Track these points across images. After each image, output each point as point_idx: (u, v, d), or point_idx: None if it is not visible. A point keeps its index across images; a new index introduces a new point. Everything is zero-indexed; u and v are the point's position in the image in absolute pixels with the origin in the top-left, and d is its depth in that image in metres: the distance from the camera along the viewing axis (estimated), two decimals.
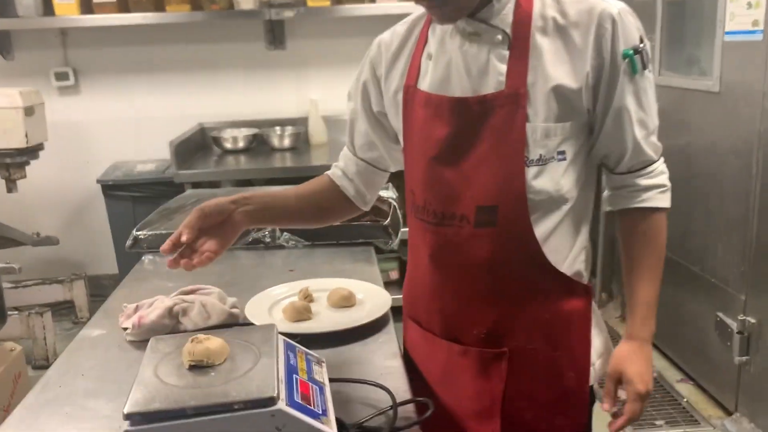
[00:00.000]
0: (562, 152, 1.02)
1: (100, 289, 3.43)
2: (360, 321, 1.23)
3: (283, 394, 0.85)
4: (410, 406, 0.99)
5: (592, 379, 1.10)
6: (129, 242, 1.79)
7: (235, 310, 1.30)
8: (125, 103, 3.59)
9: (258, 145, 3.55)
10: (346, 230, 1.76)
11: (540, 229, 1.03)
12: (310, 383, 0.93)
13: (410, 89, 1.10)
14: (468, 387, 1.11)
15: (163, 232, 1.78)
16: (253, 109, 3.65)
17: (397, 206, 1.91)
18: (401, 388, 1.04)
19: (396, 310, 1.29)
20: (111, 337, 1.25)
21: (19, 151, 2.92)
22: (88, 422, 0.98)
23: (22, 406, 1.03)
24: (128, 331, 1.23)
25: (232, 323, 1.28)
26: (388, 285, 3.12)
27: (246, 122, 3.63)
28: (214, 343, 0.91)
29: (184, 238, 1.05)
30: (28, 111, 2.90)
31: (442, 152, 1.05)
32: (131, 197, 3.33)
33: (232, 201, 1.13)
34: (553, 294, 1.06)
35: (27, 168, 3.07)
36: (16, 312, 3.00)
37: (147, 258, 1.75)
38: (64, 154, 3.50)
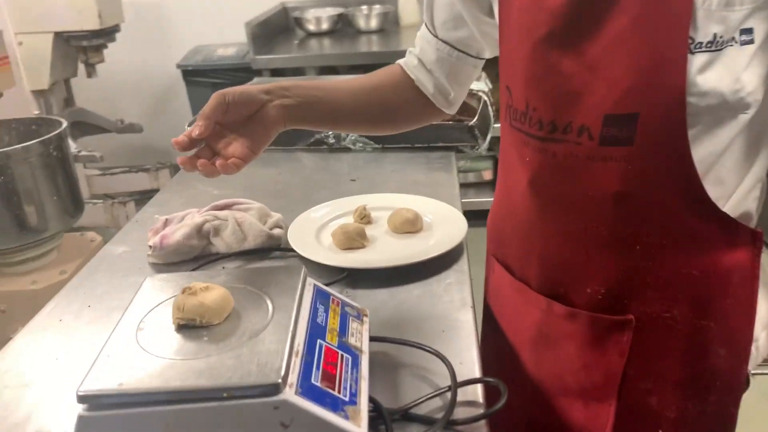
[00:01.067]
0: (749, 30, 0.65)
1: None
2: (423, 255, 0.97)
3: (294, 377, 0.61)
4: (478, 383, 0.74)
5: (752, 362, 0.80)
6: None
7: (276, 231, 1.07)
8: None
9: (343, 26, 3.22)
10: (423, 132, 1.46)
11: (701, 151, 0.70)
12: (340, 352, 0.70)
13: None
14: (573, 359, 0.83)
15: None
16: None
17: (488, 102, 1.58)
18: (468, 357, 0.78)
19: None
20: (134, 257, 1.07)
21: (94, 33, 2.78)
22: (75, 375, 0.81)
23: (17, 341, 0.87)
24: (150, 251, 1.04)
25: (272, 247, 1.06)
26: (480, 187, 2.80)
27: (331, 1, 3.29)
28: (212, 295, 0.68)
29: (196, 132, 0.81)
30: None
31: (556, 29, 0.72)
32: (211, 83, 3.15)
33: (265, 90, 0.85)
34: (708, 242, 0.74)
35: (106, 52, 2.94)
36: (101, 200, 2.99)
37: None
38: (143, 37, 3.34)
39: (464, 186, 2.97)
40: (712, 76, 0.66)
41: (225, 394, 0.59)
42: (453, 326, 0.84)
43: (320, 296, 0.76)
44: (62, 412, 0.73)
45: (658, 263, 0.75)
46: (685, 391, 0.80)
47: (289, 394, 0.59)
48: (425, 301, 0.90)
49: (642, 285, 0.77)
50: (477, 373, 0.75)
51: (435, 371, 0.75)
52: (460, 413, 0.68)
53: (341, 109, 0.94)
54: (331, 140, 1.50)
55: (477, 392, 0.72)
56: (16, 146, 2.05)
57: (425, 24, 0.97)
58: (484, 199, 2.93)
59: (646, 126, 0.69)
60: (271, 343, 0.64)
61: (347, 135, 1.49)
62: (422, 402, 0.70)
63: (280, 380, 0.59)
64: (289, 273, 0.77)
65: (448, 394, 0.70)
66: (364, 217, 1.11)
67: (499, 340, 0.93)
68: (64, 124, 2.23)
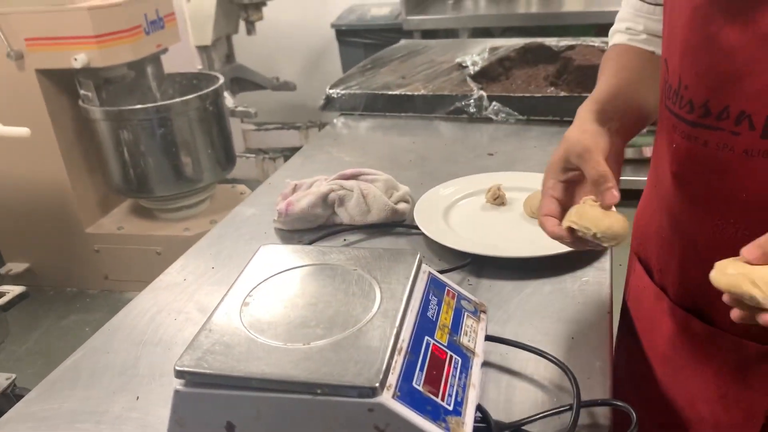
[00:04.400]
0: None
1: None
2: (560, 247, 0.87)
3: (394, 378, 0.56)
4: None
5: None
6: (322, 101, 1.58)
7: (402, 206, 1.02)
8: None
9: None
10: (573, 102, 1.32)
11: None
12: (449, 352, 0.63)
13: None
14: (710, 388, 0.71)
15: (357, 91, 1.53)
16: None
17: None
18: (598, 372, 0.69)
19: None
20: (262, 221, 1.07)
21: None
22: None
23: (146, 291, 0.90)
24: (276, 217, 1.03)
25: (396, 222, 1.01)
26: (639, 165, 2.54)
27: None
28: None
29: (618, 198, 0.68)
30: None
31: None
32: (363, 44, 3.14)
33: (600, 123, 0.72)
34: None
35: (264, 10, 3.02)
36: (254, 155, 3.11)
37: (339, 121, 1.53)
38: None
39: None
40: None
41: (319, 390, 0.55)
42: (585, 333, 0.75)
43: (434, 286, 0.70)
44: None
45: None
46: None
47: (386, 398, 0.54)
48: (556, 301, 0.80)
49: None
50: (606, 392, 0.65)
51: (557, 384, 0.67)
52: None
53: (649, 105, 0.79)
54: (472, 109, 1.41)
55: (603, 414, 0.63)
56: (177, 99, 2.16)
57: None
58: (641, 178, 2.69)
59: None
60: (374, 339, 0.59)
61: (490, 104, 1.39)
62: (538, 419, 0.62)
63: (378, 384, 0.54)
64: (403, 257, 0.71)
65: (569, 414, 0.61)
66: (498, 198, 1.02)
67: (634, 349, 0.82)
68: (221, 80, 2.32)
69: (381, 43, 3.05)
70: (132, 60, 2.12)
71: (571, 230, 0.66)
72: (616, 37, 0.86)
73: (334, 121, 1.53)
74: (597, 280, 0.83)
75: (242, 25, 3.06)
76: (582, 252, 0.87)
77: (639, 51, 0.83)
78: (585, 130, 0.71)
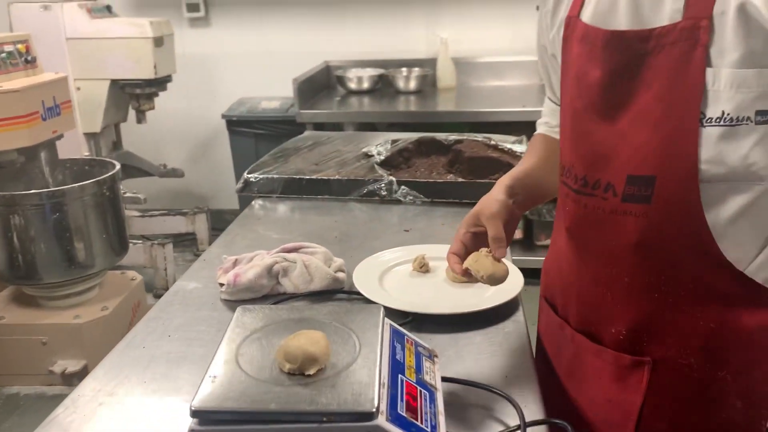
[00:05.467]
0: (764, 112, 0.73)
1: (221, 224, 3.42)
2: (483, 304, 1.03)
3: (384, 405, 0.67)
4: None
5: None
6: (239, 185, 1.68)
7: (340, 275, 1.14)
8: (254, 37, 3.51)
9: (383, 86, 3.36)
10: (471, 188, 1.54)
11: (714, 215, 0.77)
12: (419, 387, 0.75)
13: (571, 20, 0.86)
14: (599, 392, 0.90)
15: (275, 176, 1.65)
16: (381, 48, 3.45)
17: None
18: (530, 397, 0.83)
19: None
20: (206, 293, 1.14)
21: (148, 82, 2.93)
22: (165, 394, 0.86)
23: (104, 365, 0.93)
24: (223, 288, 1.11)
25: (336, 289, 1.13)
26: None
27: (372, 62, 3.44)
28: (318, 346, 0.72)
29: (502, 257, 0.92)
30: (158, 42, 2.88)
31: (593, 102, 0.83)
32: (254, 134, 3.28)
33: (508, 195, 0.96)
34: (725, 299, 0.80)
35: (156, 99, 3.08)
36: (140, 241, 3.08)
37: (257, 203, 1.64)
38: (192, 87, 3.51)
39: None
40: (723, 148, 0.74)
41: (325, 419, 0.64)
42: (515, 371, 0.90)
43: (396, 336, 0.82)
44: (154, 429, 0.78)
45: (675, 312, 0.82)
46: None
47: (381, 421, 0.65)
48: (486, 348, 0.95)
49: (660, 330, 0.84)
50: (541, 414, 0.80)
51: (503, 412, 0.80)
52: None
53: (544, 184, 1.04)
54: (384, 192, 1.58)
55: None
56: (73, 185, 2.15)
57: (550, 99, 1.08)
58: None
59: (663, 188, 0.77)
60: (362, 375, 0.70)
61: (399, 188, 1.57)
62: None
63: (374, 409, 0.65)
64: (369, 312, 0.83)
65: None
66: (423, 266, 1.17)
67: (548, 371, 1.00)
68: (117, 166, 2.34)
69: (272, 133, 3.22)
70: (27, 145, 2.10)
71: (467, 270, 0.91)
72: (539, 128, 1.11)
73: (253, 203, 1.63)
74: (516, 329, 1.00)
75: (132, 113, 3.10)
76: (500, 308, 1.03)
77: (552, 140, 1.06)
78: (497, 200, 0.95)
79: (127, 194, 2.95)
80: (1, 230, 2.06)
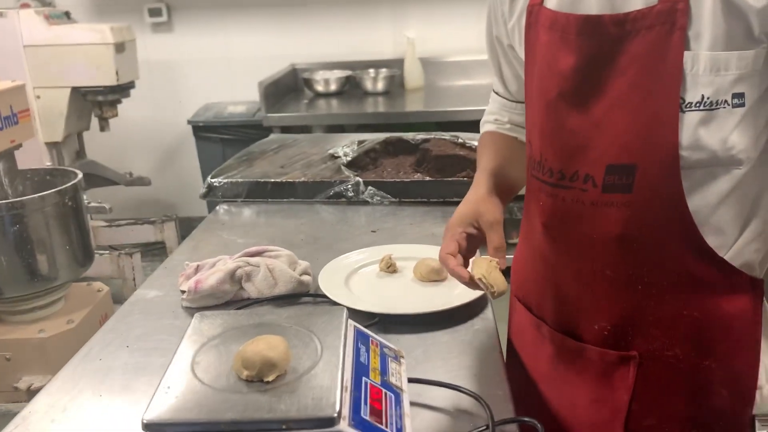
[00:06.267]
0: (740, 95, 0.72)
1: (191, 231, 3.38)
2: (452, 303, 1.01)
3: (346, 410, 0.65)
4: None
5: (757, 408, 0.83)
6: (203, 190, 1.65)
7: (305, 278, 1.11)
8: (218, 41, 3.47)
9: (351, 88, 3.34)
10: (438, 186, 1.53)
11: (696, 201, 0.76)
12: (384, 390, 0.73)
13: (534, 8, 0.84)
14: (583, 393, 0.88)
15: (240, 180, 1.62)
16: (347, 50, 3.43)
17: None
18: (500, 396, 0.82)
19: None
20: (167, 301, 1.10)
21: (110, 89, 2.86)
22: (121, 407, 0.83)
23: (57, 379, 0.89)
24: (184, 295, 1.08)
25: (301, 293, 1.10)
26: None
27: (339, 63, 3.42)
28: (275, 350, 0.70)
29: (504, 266, 0.87)
30: (119, 47, 2.81)
31: (566, 91, 0.80)
32: (221, 139, 3.23)
33: (496, 194, 0.94)
34: (708, 287, 0.79)
35: (119, 107, 3.02)
36: (107, 251, 3.01)
37: (222, 208, 1.61)
38: (156, 93, 3.45)
39: None
40: (703, 133, 0.73)
41: (284, 426, 0.62)
42: (483, 370, 0.88)
43: (360, 337, 0.80)
44: None
45: (659, 303, 0.81)
46: (688, 430, 0.84)
47: (344, 426, 0.63)
48: (454, 347, 0.93)
49: (645, 323, 0.82)
50: (511, 413, 0.78)
51: (471, 412, 0.78)
52: None
53: (515, 182, 1.01)
54: (350, 193, 1.55)
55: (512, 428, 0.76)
56: (33, 196, 2.08)
57: (497, 94, 1.06)
58: None
59: (644, 176, 0.76)
60: (324, 379, 0.67)
61: (366, 187, 1.55)
62: None
63: (335, 414, 0.62)
64: (332, 314, 0.80)
65: None
66: (390, 266, 1.15)
67: (522, 376, 0.97)
68: (80, 175, 2.27)
69: (240, 138, 3.17)
70: None
71: (475, 279, 0.83)
72: (486, 126, 1.07)
73: (217, 208, 1.60)
74: (485, 327, 0.98)
75: (94, 121, 3.03)
76: (469, 305, 1.02)
77: (506, 137, 1.03)
78: (496, 204, 0.92)
79: (92, 204, 2.88)
80: None
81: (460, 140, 1.80)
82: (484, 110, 1.09)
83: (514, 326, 1.03)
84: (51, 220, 2.13)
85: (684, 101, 0.73)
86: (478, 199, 0.93)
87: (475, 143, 1.80)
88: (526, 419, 0.75)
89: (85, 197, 2.92)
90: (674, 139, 0.73)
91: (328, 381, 0.67)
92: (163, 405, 0.63)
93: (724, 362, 0.81)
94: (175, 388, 0.66)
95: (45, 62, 2.81)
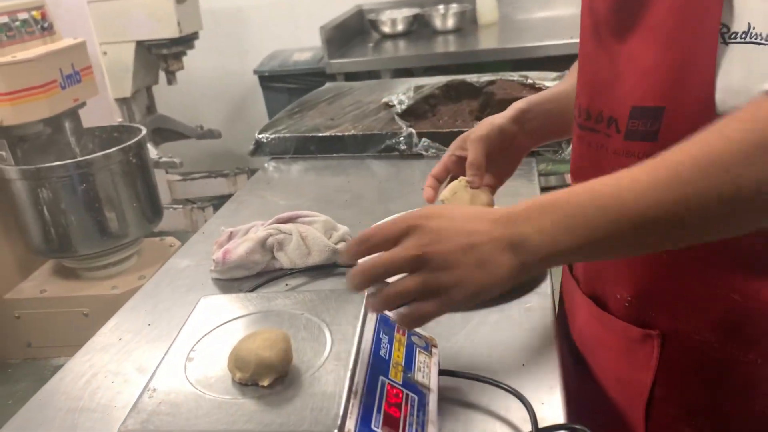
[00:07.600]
0: None
1: None
2: None
3: (352, 423, 0.54)
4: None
5: None
6: (251, 147, 1.56)
7: (341, 246, 1.01)
8: None
9: (419, 27, 3.14)
10: None
11: None
12: (405, 391, 0.62)
13: None
14: (609, 368, 0.78)
15: (287, 135, 1.52)
16: None
17: None
18: (551, 397, 0.69)
19: None
20: (198, 272, 1.04)
21: (174, 41, 2.82)
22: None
23: (78, 356, 0.84)
24: (213, 266, 1.00)
25: (337, 263, 1.00)
26: None
27: (406, 2, 3.22)
28: (272, 349, 0.60)
29: (476, 185, 0.83)
30: None
31: (602, 20, 0.69)
32: (287, 89, 3.15)
33: (513, 119, 0.87)
34: (754, 264, 0.64)
35: (184, 59, 2.99)
36: (180, 206, 3.04)
37: (271, 165, 1.52)
38: (221, 44, 3.39)
39: (546, 190, 2.83)
40: (745, 73, 0.57)
41: None
42: (534, 359, 0.75)
43: (384, 324, 0.69)
44: None
45: (687, 277, 0.67)
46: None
47: None
48: (503, 329, 0.81)
49: (670, 298, 0.69)
50: (561, 417, 0.66)
51: (513, 412, 0.66)
52: None
53: (570, 117, 0.88)
54: (403, 146, 1.42)
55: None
56: (98, 154, 2.09)
57: None
58: None
59: (672, 122, 0.62)
60: (328, 384, 0.57)
61: (419, 140, 1.41)
62: None
63: (336, 430, 0.52)
64: (350, 298, 0.70)
65: None
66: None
67: (571, 344, 0.86)
68: (143, 131, 2.27)
69: (305, 87, 3.07)
70: (48, 116, 2.04)
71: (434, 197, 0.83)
72: None
73: (265, 165, 1.52)
74: (540, 305, 0.85)
75: (162, 75, 3.02)
76: (524, 280, 0.88)
77: None
78: (492, 122, 0.85)
79: (163, 159, 2.89)
80: (32, 204, 2.04)
81: (529, 81, 1.62)
82: (564, 44, 0.98)
83: (564, 291, 0.92)
84: (117, 178, 2.14)
85: (728, 30, 0.57)
86: (482, 122, 0.86)
87: (547, 83, 1.61)
88: (578, 427, 0.62)
89: (156, 152, 2.94)
90: (710, 77, 0.58)
91: (332, 385, 0.57)
92: (143, 413, 0.56)
93: None
94: (161, 390, 0.58)
95: (109, 17, 2.79)
